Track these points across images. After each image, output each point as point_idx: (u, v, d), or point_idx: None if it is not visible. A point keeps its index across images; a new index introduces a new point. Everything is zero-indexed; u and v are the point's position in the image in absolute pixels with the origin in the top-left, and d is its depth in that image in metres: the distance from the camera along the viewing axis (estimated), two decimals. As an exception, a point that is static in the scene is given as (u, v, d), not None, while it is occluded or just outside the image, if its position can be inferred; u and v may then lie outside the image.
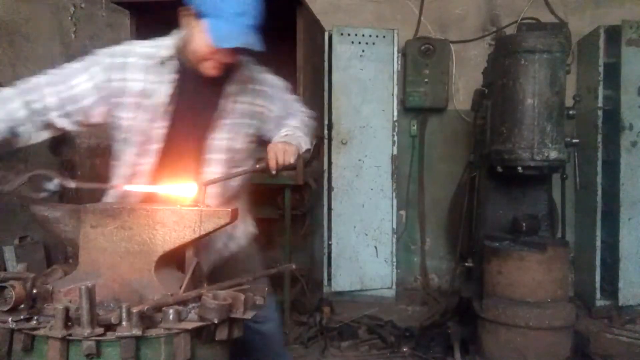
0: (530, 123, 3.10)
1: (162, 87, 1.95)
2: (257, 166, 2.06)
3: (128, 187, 2.03)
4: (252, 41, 1.83)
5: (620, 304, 4.12)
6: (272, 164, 1.98)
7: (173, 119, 1.97)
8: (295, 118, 2.23)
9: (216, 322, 1.60)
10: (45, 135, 1.99)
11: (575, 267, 4.53)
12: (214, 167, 2.02)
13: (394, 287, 4.59)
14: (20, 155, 3.90)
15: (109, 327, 1.53)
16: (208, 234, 1.82)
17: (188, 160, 2.00)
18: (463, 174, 4.38)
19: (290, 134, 2.13)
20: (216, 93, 2.00)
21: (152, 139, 1.97)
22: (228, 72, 1.98)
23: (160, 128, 1.97)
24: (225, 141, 2.02)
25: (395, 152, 4.54)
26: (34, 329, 1.55)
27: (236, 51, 1.88)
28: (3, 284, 1.58)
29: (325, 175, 4.59)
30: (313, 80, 4.18)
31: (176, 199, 1.89)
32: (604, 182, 4.22)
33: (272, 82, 2.15)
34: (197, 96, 1.99)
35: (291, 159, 2.00)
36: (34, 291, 1.65)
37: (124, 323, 1.51)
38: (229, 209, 1.80)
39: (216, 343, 1.68)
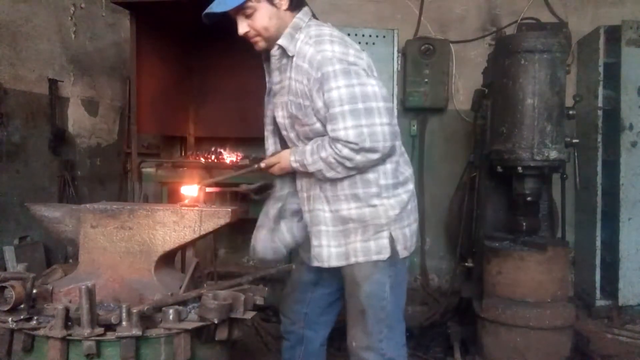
0: (530, 123, 3.10)
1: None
2: (256, 166, 2.07)
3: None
4: (220, 4, 1.87)
5: (620, 304, 4.12)
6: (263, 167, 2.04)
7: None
8: (325, 150, 1.89)
9: (216, 322, 1.60)
10: None
11: (575, 267, 4.53)
12: (292, 143, 2.06)
13: (394, 287, 4.58)
14: (20, 156, 3.90)
15: (109, 327, 1.54)
16: (208, 234, 1.83)
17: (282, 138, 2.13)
18: (463, 174, 4.37)
19: (308, 161, 1.93)
20: (269, 72, 2.08)
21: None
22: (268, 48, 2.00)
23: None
24: (282, 119, 2.05)
25: (395, 152, 4.53)
26: (34, 329, 1.56)
27: (235, 21, 1.95)
28: (3, 284, 1.58)
29: (326, 175, 4.57)
30: (313, 80, 4.17)
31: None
32: (604, 182, 4.22)
33: (311, 58, 1.89)
34: (268, 78, 2.11)
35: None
36: (34, 291, 1.65)
37: (124, 323, 1.52)
38: (229, 209, 1.81)
39: (216, 343, 1.69)
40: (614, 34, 4.18)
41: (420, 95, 4.75)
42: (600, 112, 4.20)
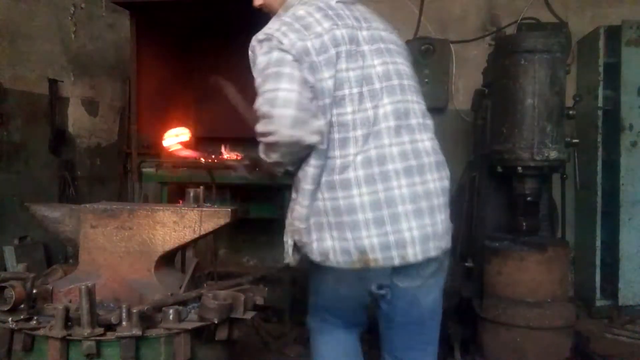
0: (530, 123, 3.10)
1: None
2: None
3: None
4: None
5: (620, 304, 4.12)
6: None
7: None
8: None
9: (216, 322, 1.60)
10: None
11: (575, 267, 4.53)
12: None
13: (394, 287, 4.58)
14: (20, 156, 3.90)
15: (109, 327, 1.54)
16: (208, 234, 1.82)
17: None
18: (463, 173, 4.37)
19: None
20: None
21: None
22: None
23: None
24: None
25: (395, 152, 4.53)
26: (34, 329, 1.56)
27: None
28: (3, 284, 1.58)
29: (326, 175, 4.57)
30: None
31: None
32: (604, 182, 4.22)
33: None
34: None
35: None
36: (34, 291, 1.65)
37: (124, 323, 1.52)
38: (229, 209, 1.81)
39: (216, 343, 1.69)
40: (614, 34, 4.18)
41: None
42: (600, 112, 4.20)
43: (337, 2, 1.78)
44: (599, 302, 4.19)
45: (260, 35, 1.70)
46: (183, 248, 1.92)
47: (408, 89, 1.80)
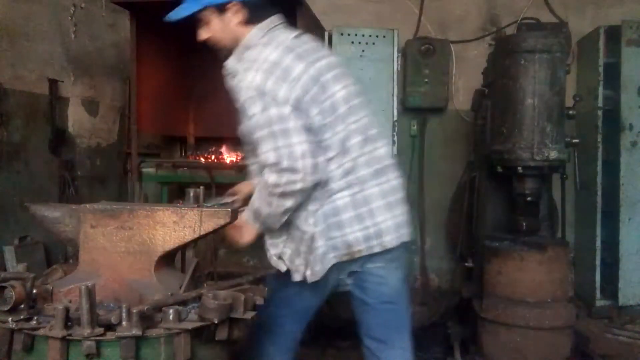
0: (530, 123, 3.10)
1: None
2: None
3: None
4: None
5: (620, 303, 4.12)
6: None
7: None
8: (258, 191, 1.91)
9: (216, 322, 1.60)
10: None
11: (575, 267, 4.53)
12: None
13: (394, 287, 4.59)
14: (20, 156, 3.90)
15: (109, 327, 1.53)
16: (208, 234, 1.82)
17: None
18: (463, 173, 4.38)
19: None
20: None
21: None
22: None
23: None
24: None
25: (395, 152, 4.53)
26: (34, 329, 1.55)
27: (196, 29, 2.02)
28: (3, 284, 1.58)
29: (326, 175, 4.58)
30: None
31: None
32: (604, 182, 4.23)
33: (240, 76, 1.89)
34: None
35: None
36: (34, 291, 1.65)
37: (124, 323, 1.51)
38: (229, 209, 1.81)
39: (216, 343, 1.68)
40: (613, 34, 4.18)
41: (420, 95, 4.75)
42: (600, 112, 4.20)
43: (292, 39, 1.93)
44: (599, 302, 4.19)
45: (250, 91, 1.80)
46: (183, 248, 1.92)
47: (364, 106, 2.01)
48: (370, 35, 4.51)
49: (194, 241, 1.84)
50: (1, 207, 3.76)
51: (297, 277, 1.91)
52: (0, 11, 3.71)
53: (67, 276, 1.84)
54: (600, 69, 4.20)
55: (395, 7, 4.95)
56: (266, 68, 1.81)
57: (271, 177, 1.79)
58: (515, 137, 3.13)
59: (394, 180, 1.99)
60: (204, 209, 1.79)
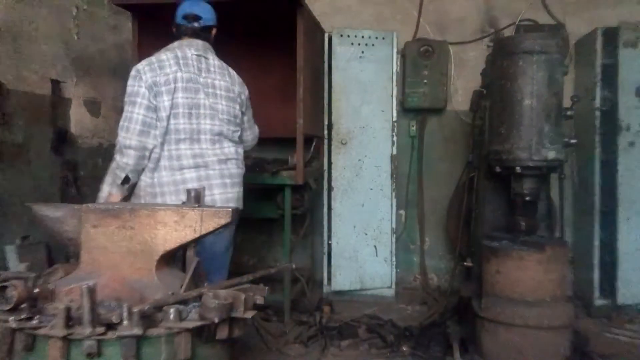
0: (528, 124, 3.11)
1: None
2: None
3: None
4: None
5: (619, 303, 4.13)
6: None
7: None
8: None
9: (217, 321, 1.62)
10: None
11: (574, 266, 4.54)
12: None
13: (393, 286, 4.61)
14: (23, 156, 3.92)
15: (110, 326, 1.55)
16: (209, 234, 1.84)
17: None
18: (462, 174, 4.39)
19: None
20: None
21: None
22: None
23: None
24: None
25: (394, 152, 4.55)
26: (36, 328, 1.57)
27: None
28: (5, 284, 1.59)
29: (325, 175, 4.60)
30: (313, 81, 4.20)
31: None
32: (602, 182, 4.23)
33: None
34: None
35: None
36: (36, 291, 1.66)
37: (125, 322, 1.53)
38: (229, 209, 1.82)
39: (217, 342, 1.70)
40: (611, 36, 4.19)
41: (419, 96, 4.77)
42: (597, 113, 4.22)
43: (192, 55, 2.78)
44: (598, 302, 4.20)
45: (133, 71, 2.70)
46: (184, 247, 1.94)
47: (215, 117, 2.81)
48: (369, 37, 4.53)
49: (195, 241, 1.86)
50: (3, 207, 3.78)
51: None
52: (4, 13, 3.72)
53: (69, 276, 1.86)
54: (598, 70, 4.21)
55: (394, 8, 4.97)
56: (152, 60, 2.75)
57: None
58: (513, 137, 3.15)
59: (212, 171, 2.80)
60: (205, 209, 1.81)
